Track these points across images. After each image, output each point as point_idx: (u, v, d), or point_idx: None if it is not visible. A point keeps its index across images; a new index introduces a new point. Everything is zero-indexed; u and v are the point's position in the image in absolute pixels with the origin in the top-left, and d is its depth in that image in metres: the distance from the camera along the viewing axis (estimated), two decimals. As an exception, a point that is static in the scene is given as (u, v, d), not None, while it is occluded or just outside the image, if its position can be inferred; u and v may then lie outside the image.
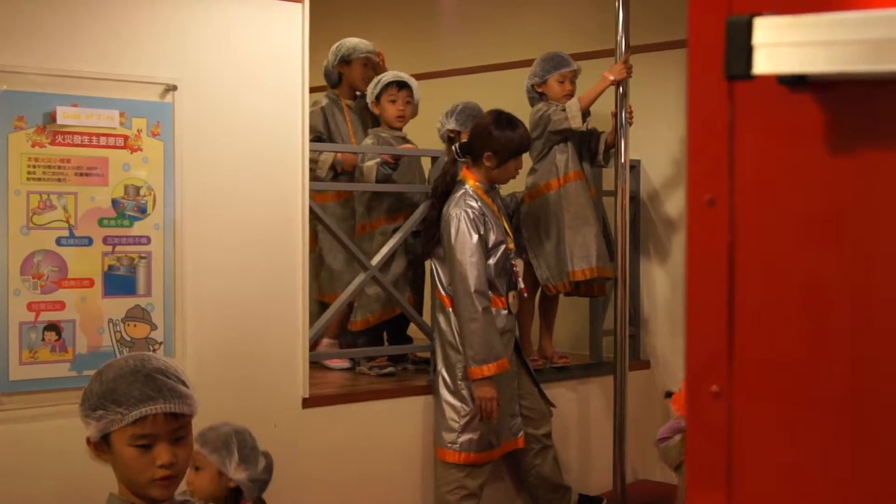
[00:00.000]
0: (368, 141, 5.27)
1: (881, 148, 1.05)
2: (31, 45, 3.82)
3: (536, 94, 5.40)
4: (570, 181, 5.24)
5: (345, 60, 5.45)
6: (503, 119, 4.72)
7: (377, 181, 5.09)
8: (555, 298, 5.47)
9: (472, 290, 4.49)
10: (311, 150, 5.03)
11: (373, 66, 5.49)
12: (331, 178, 5.19)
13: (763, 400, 1.13)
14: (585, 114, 5.14)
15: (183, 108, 4.09)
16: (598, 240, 5.22)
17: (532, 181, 5.34)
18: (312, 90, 4.57)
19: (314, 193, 5.06)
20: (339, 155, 5.17)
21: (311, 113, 5.33)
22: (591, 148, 5.39)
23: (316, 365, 5.03)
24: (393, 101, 5.26)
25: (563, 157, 5.26)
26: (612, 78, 4.97)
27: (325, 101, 5.41)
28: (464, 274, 4.51)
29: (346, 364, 5.30)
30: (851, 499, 1.07)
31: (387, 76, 5.29)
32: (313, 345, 5.20)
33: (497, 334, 4.56)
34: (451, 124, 5.29)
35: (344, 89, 5.49)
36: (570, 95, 5.29)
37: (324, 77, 5.54)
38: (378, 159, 5.07)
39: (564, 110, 5.16)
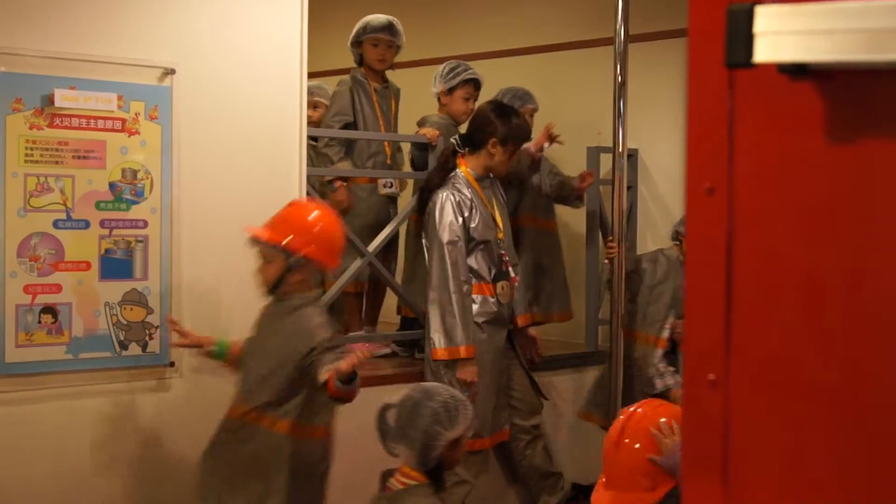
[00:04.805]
0: (425, 130, 5.19)
1: (880, 137, 1.04)
2: (30, 27, 3.81)
3: None
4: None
5: (356, 42, 5.30)
6: (505, 108, 4.79)
7: (416, 168, 5.24)
8: None
9: (449, 270, 4.50)
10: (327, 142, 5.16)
11: (385, 44, 5.27)
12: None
13: (759, 389, 1.13)
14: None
15: (181, 91, 4.08)
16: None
17: None
18: (311, 75, 4.56)
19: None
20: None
21: (338, 93, 5.25)
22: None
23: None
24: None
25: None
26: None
27: (351, 82, 5.25)
28: (441, 254, 4.52)
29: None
30: (846, 487, 1.08)
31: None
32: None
33: (470, 319, 4.54)
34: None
35: (368, 70, 5.32)
36: None
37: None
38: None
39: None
